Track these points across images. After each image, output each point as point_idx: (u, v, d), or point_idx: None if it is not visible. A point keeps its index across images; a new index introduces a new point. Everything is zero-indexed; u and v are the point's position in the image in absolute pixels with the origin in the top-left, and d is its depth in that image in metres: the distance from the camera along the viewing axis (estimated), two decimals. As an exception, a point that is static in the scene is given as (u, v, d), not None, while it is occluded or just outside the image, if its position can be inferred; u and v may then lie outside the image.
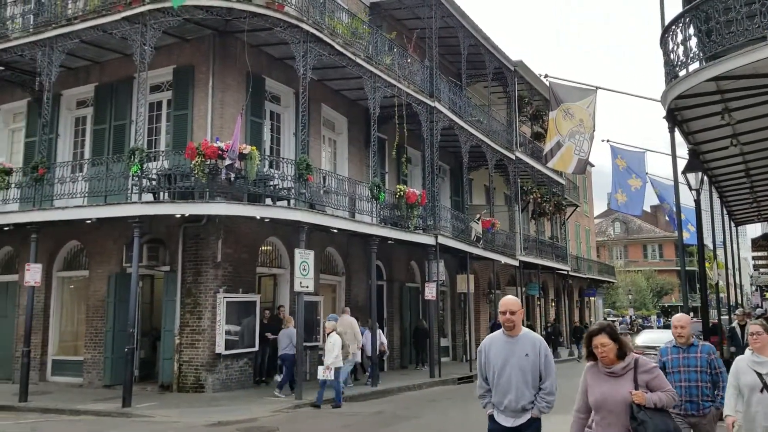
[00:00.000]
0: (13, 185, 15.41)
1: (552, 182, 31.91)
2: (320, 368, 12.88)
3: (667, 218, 19.20)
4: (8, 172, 15.40)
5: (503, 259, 24.99)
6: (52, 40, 14.89)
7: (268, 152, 16.39)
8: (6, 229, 15.62)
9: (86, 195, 14.57)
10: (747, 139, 12.75)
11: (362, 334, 15.74)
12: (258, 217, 14.03)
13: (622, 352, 4.52)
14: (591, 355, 4.58)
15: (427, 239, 19.19)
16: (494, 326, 23.04)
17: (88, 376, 15.63)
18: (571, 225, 40.56)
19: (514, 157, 26.76)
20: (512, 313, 5.08)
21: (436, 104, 20.08)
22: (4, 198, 15.45)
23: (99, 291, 15.95)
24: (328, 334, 13.15)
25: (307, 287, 13.85)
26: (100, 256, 16.11)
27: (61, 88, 16.85)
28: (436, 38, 20.70)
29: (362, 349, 15.90)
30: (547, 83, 13.45)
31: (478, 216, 22.76)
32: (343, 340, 13.37)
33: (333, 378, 12.72)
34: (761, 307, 42.40)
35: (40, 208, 14.57)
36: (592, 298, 44.63)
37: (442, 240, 19.64)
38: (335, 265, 18.94)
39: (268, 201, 14.56)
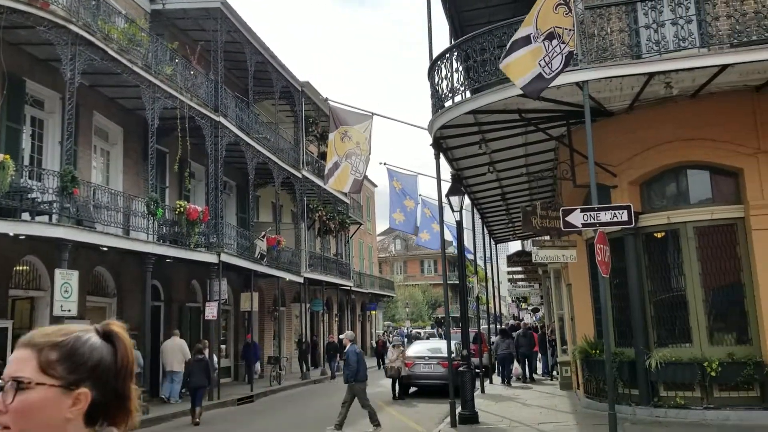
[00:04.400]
0: None
1: (337, 201, 32.87)
2: None
3: (428, 237, 20.58)
4: None
5: (288, 276, 25.12)
6: None
7: (27, 162, 14.79)
8: None
9: None
10: (501, 167, 14.31)
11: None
12: (11, 234, 12.56)
13: None
14: None
15: (210, 257, 18.66)
16: (300, 342, 22.60)
17: None
18: (355, 242, 42.09)
19: (300, 176, 27.13)
20: None
21: (221, 119, 19.69)
22: None
23: None
24: None
25: (69, 311, 12.67)
26: None
27: None
28: (221, 52, 20.34)
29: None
30: (329, 106, 13.88)
31: (263, 233, 22.65)
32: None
33: None
34: (519, 318, 47.47)
35: None
36: (373, 312, 46.59)
37: (225, 258, 19.22)
38: (105, 286, 17.58)
39: (26, 216, 13.12)
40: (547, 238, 12.80)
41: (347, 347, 12.69)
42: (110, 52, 14.71)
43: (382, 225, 64.69)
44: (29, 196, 13.21)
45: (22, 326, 14.82)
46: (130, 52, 15.74)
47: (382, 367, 29.97)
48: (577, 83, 9.47)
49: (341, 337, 14.71)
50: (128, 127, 18.56)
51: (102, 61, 14.57)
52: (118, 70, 15.33)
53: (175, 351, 17.14)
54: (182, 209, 17.29)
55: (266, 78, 24.64)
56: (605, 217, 8.91)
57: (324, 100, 16.34)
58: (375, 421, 12.02)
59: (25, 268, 14.87)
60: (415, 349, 19.16)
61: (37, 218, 13.40)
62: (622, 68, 9.66)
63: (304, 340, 27.04)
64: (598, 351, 11.82)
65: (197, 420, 14.05)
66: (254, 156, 22.25)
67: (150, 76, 16.21)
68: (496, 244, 26.89)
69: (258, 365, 22.41)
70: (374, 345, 34.98)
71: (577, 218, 8.98)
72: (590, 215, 8.91)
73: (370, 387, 12.11)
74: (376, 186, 50.99)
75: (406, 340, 31.28)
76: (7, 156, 12.15)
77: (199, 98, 18.87)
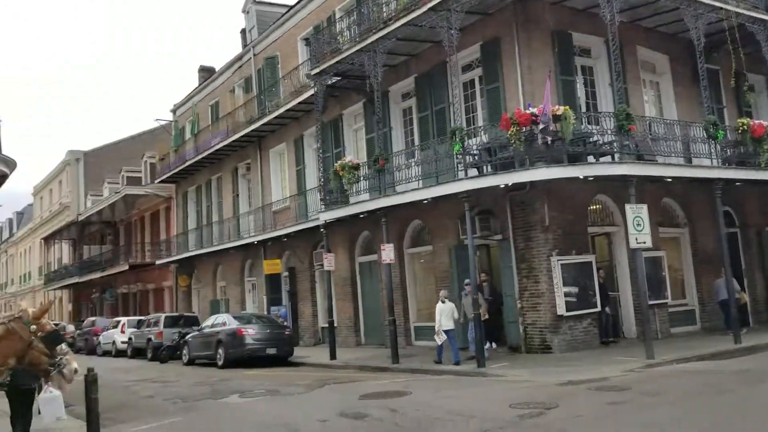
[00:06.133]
0: (362, 178, 17.70)
1: None
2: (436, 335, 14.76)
3: None
4: (356, 167, 17.72)
5: None
6: (374, 44, 16.61)
7: (583, 109, 15.91)
8: (362, 216, 18.08)
9: (420, 178, 16.03)
10: None
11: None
12: (580, 177, 13.77)
13: None
14: None
15: (787, 175, 16.55)
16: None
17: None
18: None
19: None
20: None
21: (777, 17, 17.09)
22: (357, 190, 17.85)
23: (442, 263, 17.45)
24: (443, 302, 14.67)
25: (644, 243, 13.13)
26: (440, 231, 17.58)
27: (387, 86, 18.70)
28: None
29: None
30: None
31: None
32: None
33: (441, 342, 14.50)
34: None
35: (384, 194, 16.48)
36: None
37: (805, 174, 16.73)
38: (675, 216, 17.58)
39: (590, 159, 14.18)
40: None
41: None
42: (644, -19, 14.45)
43: None
44: (590, 140, 14.22)
45: (602, 259, 16.18)
46: (663, -26, 15.12)
47: None
48: None
49: None
50: (672, 54, 17.96)
51: (637, -7, 14.45)
52: (654, -2, 14.95)
53: None
54: (745, 127, 15.82)
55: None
56: None
57: None
58: None
59: (597, 206, 16.16)
60: None
61: (600, 159, 14.32)
62: None
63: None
64: None
65: None
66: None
67: (689, -7, 15.26)
68: None
69: None
70: None
71: None
72: None
73: None
74: None
75: None
76: (567, 107, 13.32)
77: (746, 2, 16.80)
